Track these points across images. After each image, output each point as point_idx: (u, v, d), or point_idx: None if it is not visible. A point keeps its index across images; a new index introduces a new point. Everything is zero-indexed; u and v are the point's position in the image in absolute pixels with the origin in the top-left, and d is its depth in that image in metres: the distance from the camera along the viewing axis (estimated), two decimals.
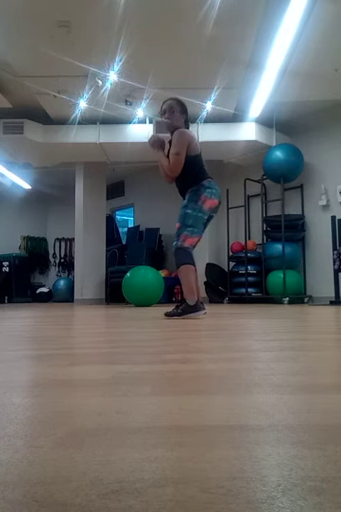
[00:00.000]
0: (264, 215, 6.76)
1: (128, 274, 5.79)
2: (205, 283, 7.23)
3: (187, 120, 3.20)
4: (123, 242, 9.45)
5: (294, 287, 6.21)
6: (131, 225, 10.27)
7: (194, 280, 2.96)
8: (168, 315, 2.92)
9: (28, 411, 0.64)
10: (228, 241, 7.22)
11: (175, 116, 3.10)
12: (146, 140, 5.96)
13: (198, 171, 3.07)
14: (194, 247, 3.05)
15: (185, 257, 2.96)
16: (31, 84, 5.16)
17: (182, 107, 3.15)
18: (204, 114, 5.86)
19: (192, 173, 3.05)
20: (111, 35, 4.24)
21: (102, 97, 5.39)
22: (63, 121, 6.04)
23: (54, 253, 11.07)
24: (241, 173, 7.27)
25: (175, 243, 3.02)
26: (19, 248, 10.63)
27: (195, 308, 2.91)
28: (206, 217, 3.05)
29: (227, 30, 4.20)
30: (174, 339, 1.67)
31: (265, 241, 6.70)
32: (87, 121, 6.03)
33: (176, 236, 3.03)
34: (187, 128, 3.18)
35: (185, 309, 2.90)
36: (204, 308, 2.98)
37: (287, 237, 6.22)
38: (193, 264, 2.98)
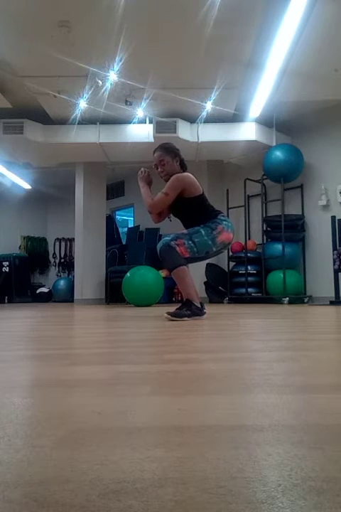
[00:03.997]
0: (264, 215, 6.76)
1: (128, 274, 5.79)
2: (205, 283, 7.23)
3: (183, 161, 3.08)
4: (123, 242, 9.44)
5: (294, 287, 6.21)
6: (131, 225, 10.27)
7: (192, 281, 2.91)
8: (173, 315, 2.74)
9: (28, 411, 0.64)
10: None
11: (168, 165, 2.99)
12: (146, 140, 6.05)
13: (205, 210, 3.01)
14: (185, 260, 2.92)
15: (177, 257, 2.84)
16: (31, 84, 5.16)
17: (171, 152, 3.03)
18: (204, 114, 5.86)
19: (199, 213, 2.99)
20: (111, 35, 4.24)
21: (102, 97, 5.39)
22: (63, 121, 6.04)
23: (54, 253, 11.06)
24: (241, 173, 7.26)
25: (167, 239, 2.88)
26: (19, 248, 10.62)
27: (201, 309, 2.89)
28: (214, 250, 2.96)
29: (227, 30, 4.20)
30: (174, 339, 1.67)
31: (265, 241, 6.70)
32: (87, 121, 6.03)
33: (173, 235, 2.92)
34: (185, 169, 3.08)
35: (194, 311, 2.82)
36: (204, 309, 2.96)
37: (287, 237, 6.22)
38: (185, 264, 2.88)
